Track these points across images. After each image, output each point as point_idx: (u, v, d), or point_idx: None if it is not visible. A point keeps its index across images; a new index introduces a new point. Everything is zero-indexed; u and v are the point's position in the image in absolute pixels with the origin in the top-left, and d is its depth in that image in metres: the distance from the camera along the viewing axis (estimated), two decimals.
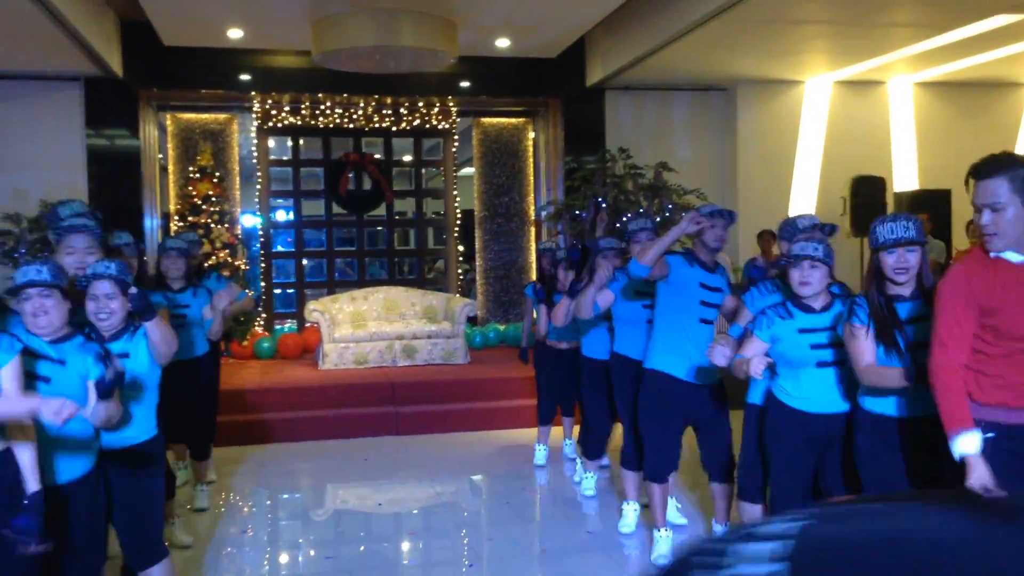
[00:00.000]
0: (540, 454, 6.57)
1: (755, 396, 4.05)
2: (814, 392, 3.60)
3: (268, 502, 6.00)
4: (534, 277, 11.12)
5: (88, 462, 3.14)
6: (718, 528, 4.58)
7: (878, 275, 3.22)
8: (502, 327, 10.62)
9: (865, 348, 3.21)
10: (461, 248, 11.26)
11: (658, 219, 9.27)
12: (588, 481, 5.76)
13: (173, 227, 9.90)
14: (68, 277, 3.18)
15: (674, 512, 5.02)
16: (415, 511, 5.81)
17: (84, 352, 3.02)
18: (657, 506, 4.49)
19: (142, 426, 3.38)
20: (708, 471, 4.52)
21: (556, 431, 6.74)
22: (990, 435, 2.77)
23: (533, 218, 11.15)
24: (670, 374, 4.27)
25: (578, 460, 6.18)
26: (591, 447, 5.64)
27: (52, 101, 9.39)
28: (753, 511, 4.10)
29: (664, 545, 4.48)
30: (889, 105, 10.84)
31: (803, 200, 10.62)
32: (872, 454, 3.30)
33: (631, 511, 4.99)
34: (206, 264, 9.42)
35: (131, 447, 3.34)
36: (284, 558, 4.95)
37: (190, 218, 9.67)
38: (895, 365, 3.14)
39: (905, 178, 10.79)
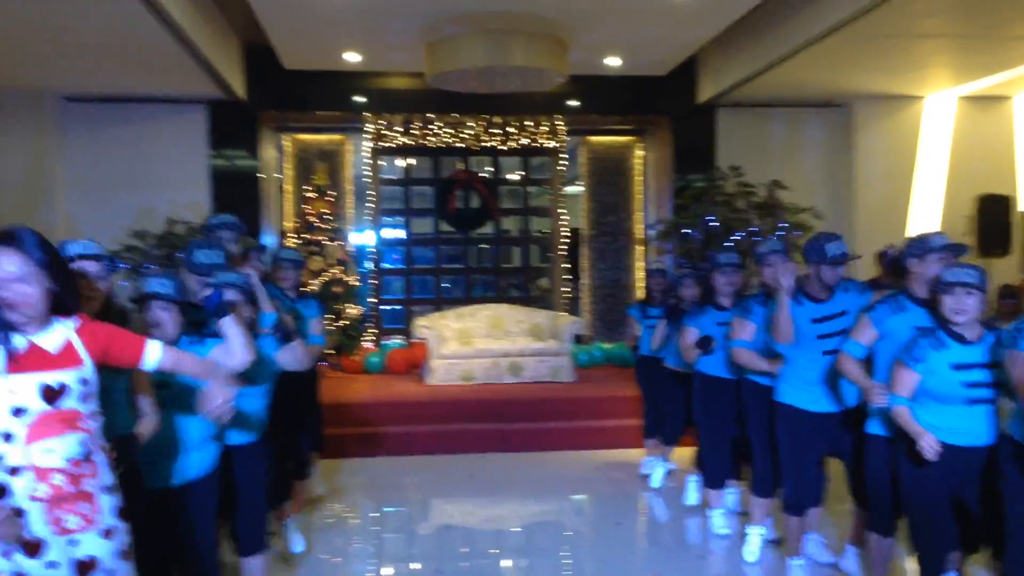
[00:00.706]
0: (658, 474, 6.47)
1: (876, 426, 3.89)
2: (962, 425, 3.42)
3: (374, 514, 6.10)
4: (639, 296, 11.05)
5: (212, 457, 3.37)
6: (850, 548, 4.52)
7: None
8: (608, 346, 10.56)
9: None
10: (567, 266, 11.25)
11: (774, 237, 9.09)
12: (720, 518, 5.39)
13: (290, 244, 10.21)
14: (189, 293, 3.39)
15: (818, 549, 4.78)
16: (520, 528, 5.81)
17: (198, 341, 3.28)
18: (793, 536, 4.45)
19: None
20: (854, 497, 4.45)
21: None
22: None
23: (640, 237, 11.07)
24: (802, 408, 4.22)
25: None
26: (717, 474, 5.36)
27: (178, 123, 9.82)
28: (883, 545, 3.97)
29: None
30: (1014, 121, 10.36)
31: (925, 219, 10.23)
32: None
33: (756, 536, 4.88)
34: (310, 282, 9.70)
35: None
36: (390, 570, 5.01)
37: (305, 235, 9.96)
38: None
39: None
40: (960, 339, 3.41)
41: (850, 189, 10.31)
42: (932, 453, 3.22)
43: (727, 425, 5.08)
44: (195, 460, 3.29)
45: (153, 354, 2.64)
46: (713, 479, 5.32)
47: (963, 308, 3.36)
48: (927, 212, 10.26)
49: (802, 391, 4.20)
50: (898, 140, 10.21)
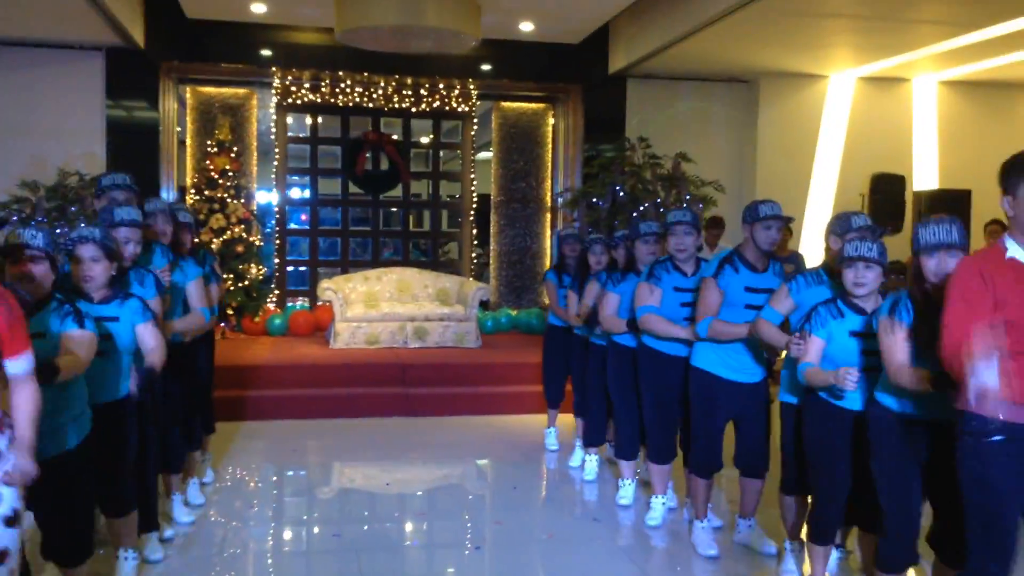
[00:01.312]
0: (552, 439, 6.62)
1: (785, 395, 4.09)
2: (856, 393, 3.57)
3: (275, 478, 6.01)
4: (548, 263, 11.11)
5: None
6: (743, 524, 4.59)
7: (919, 277, 3.18)
8: (514, 312, 10.61)
9: (903, 347, 3.18)
10: (475, 232, 11.23)
11: (684, 207, 9.23)
12: (628, 488, 5.31)
13: (189, 200, 9.90)
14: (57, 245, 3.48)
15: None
16: (422, 492, 5.81)
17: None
18: (701, 499, 4.53)
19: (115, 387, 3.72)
20: (741, 467, 4.50)
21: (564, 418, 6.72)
22: (999, 438, 2.75)
23: (549, 204, 11.11)
24: (715, 374, 4.31)
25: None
26: (628, 448, 5.24)
27: (73, 70, 9.39)
28: (790, 502, 4.18)
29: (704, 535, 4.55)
30: (913, 103, 10.74)
31: (822, 195, 10.55)
32: (889, 452, 3.28)
33: (660, 505, 4.94)
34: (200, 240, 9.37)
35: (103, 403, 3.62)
36: (288, 534, 4.96)
37: (206, 192, 9.67)
38: (923, 367, 3.10)
39: (926, 177, 10.70)
40: (859, 310, 3.57)
41: (752, 164, 10.54)
42: (852, 381, 3.34)
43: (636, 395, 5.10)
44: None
45: (18, 367, 2.66)
46: (626, 450, 5.22)
47: (862, 281, 3.53)
48: (824, 188, 10.57)
49: (719, 358, 4.28)
50: (800, 117, 10.48)
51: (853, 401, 3.60)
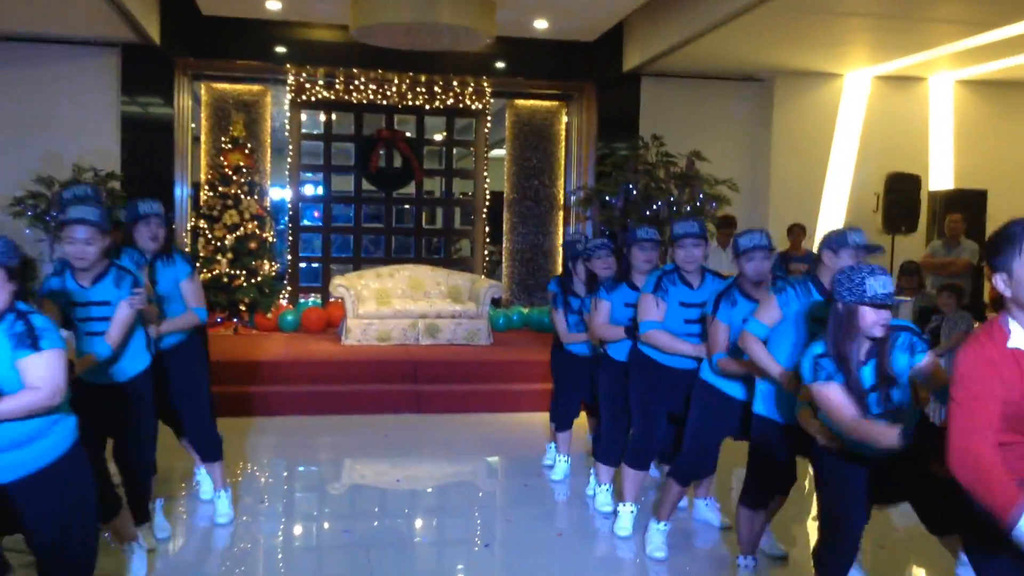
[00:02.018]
0: (561, 467, 5.86)
1: (763, 408, 3.92)
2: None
3: (285, 474, 6.03)
4: (560, 261, 11.10)
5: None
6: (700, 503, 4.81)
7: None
8: (526, 310, 10.60)
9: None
10: (488, 229, 11.22)
11: (688, 208, 9.21)
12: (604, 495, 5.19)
13: (203, 196, 9.93)
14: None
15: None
16: (432, 489, 5.82)
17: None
18: (671, 503, 4.47)
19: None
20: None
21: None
22: None
23: (562, 203, 11.10)
24: (725, 391, 4.22)
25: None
26: (611, 453, 5.06)
27: (89, 66, 9.43)
28: (747, 515, 4.09)
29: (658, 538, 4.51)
30: (929, 102, 10.67)
31: (837, 195, 10.49)
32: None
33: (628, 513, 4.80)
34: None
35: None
36: (299, 530, 4.97)
37: (220, 188, 9.70)
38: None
39: (941, 177, 10.63)
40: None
41: (766, 163, 10.50)
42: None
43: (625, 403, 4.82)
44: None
45: None
46: (609, 455, 5.02)
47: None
48: (838, 187, 10.52)
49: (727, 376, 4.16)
50: (816, 116, 10.42)
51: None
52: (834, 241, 3.72)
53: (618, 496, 4.95)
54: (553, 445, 5.98)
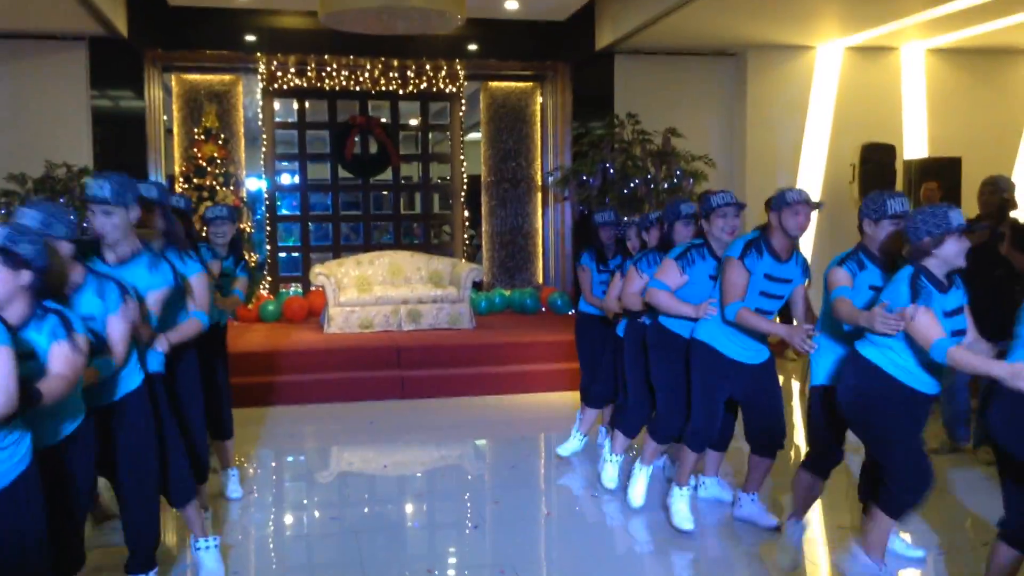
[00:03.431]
0: (573, 443, 5.85)
1: (820, 380, 4.08)
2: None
3: (273, 464, 6.02)
4: (540, 242, 11.11)
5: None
6: (746, 498, 4.56)
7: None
8: (507, 292, 10.61)
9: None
10: (467, 213, 11.20)
11: (665, 185, 9.23)
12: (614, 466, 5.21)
13: (178, 189, 9.85)
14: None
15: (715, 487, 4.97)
16: (420, 474, 5.83)
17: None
18: (687, 468, 4.50)
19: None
20: (752, 444, 4.51)
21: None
22: None
23: (540, 184, 11.09)
24: (720, 351, 4.26)
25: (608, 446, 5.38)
26: (633, 425, 5.10)
27: (57, 60, 9.30)
28: (806, 479, 4.19)
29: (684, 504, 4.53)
30: (901, 72, 10.71)
31: (813, 166, 10.53)
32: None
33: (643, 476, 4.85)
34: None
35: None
36: (289, 519, 4.97)
37: (195, 180, 9.62)
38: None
39: (915, 146, 10.69)
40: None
41: (742, 138, 10.52)
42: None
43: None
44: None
45: None
46: (631, 426, 5.07)
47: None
48: (814, 160, 10.56)
49: (726, 336, 4.22)
50: (789, 89, 10.44)
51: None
52: (873, 210, 3.84)
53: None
54: (578, 432, 5.82)
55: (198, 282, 3.95)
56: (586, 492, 5.23)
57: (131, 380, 3.46)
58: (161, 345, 3.68)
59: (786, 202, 4.02)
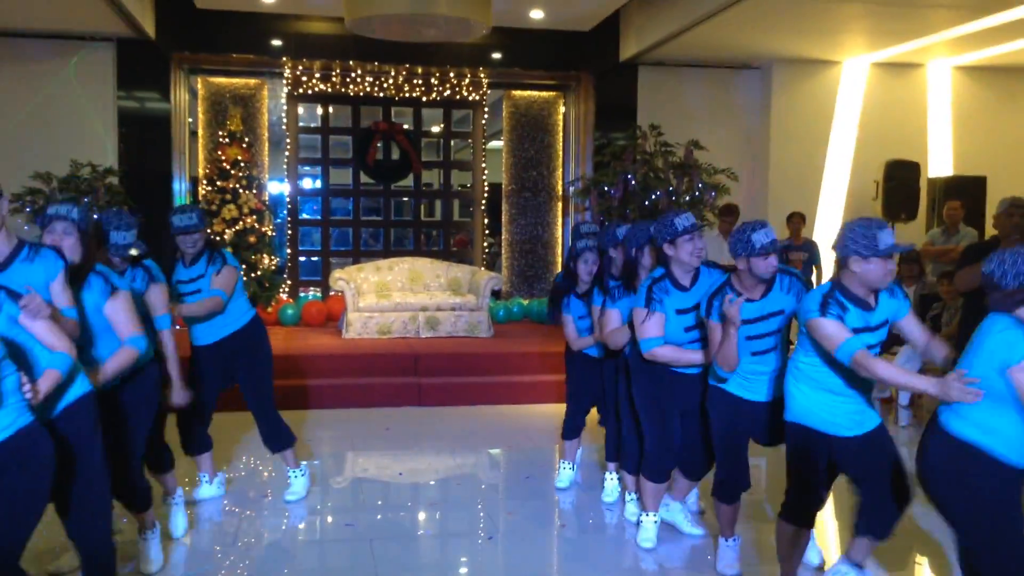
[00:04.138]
0: (565, 474, 5.53)
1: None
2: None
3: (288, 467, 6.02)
4: (560, 252, 11.09)
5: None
6: (726, 544, 4.21)
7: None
8: (526, 301, 10.60)
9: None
10: (487, 221, 11.21)
11: (687, 198, 9.20)
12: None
13: (201, 191, 9.92)
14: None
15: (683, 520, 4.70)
16: (434, 482, 5.82)
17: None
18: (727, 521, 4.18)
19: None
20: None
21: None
22: None
23: (561, 193, 11.09)
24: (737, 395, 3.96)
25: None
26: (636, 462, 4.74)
27: (84, 61, 9.39)
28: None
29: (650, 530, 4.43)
30: (927, 88, 10.64)
31: (836, 183, 10.48)
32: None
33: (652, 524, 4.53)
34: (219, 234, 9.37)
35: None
36: (302, 524, 4.97)
37: (218, 182, 9.68)
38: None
39: (940, 163, 10.62)
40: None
41: (765, 152, 10.48)
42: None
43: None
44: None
45: None
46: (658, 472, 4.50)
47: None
48: (837, 175, 10.50)
49: (825, 409, 3.57)
50: (814, 104, 10.40)
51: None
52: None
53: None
54: (563, 463, 5.54)
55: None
56: (600, 504, 5.20)
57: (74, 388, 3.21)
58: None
59: (878, 250, 3.31)
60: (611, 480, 5.18)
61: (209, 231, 5.26)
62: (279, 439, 5.14)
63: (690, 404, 4.23)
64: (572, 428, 5.44)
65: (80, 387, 3.19)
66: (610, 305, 4.52)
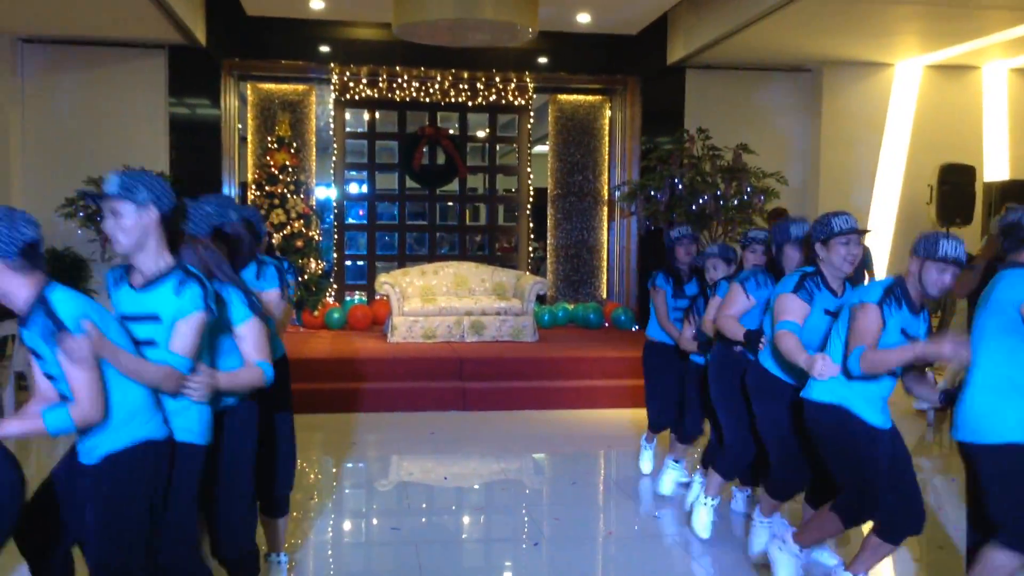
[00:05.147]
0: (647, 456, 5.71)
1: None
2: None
3: (334, 470, 6.05)
4: (605, 256, 11.03)
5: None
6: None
7: None
8: (571, 306, 10.55)
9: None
10: (532, 226, 11.19)
11: (735, 202, 9.09)
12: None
13: (250, 196, 10.03)
14: None
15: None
16: (479, 486, 5.80)
17: None
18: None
19: None
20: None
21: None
22: None
23: (606, 198, 11.03)
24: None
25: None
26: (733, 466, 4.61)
27: (137, 68, 9.55)
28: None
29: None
30: (983, 91, 10.41)
31: (889, 187, 10.29)
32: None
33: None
34: (272, 237, 9.41)
35: None
36: (348, 526, 4.98)
37: (267, 187, 9.78)
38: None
39: (996, 167, 10.38)
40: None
41: (816, 155, 10.33)
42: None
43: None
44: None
45: None
46: (732, 470, 4.57)
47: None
48: (890, 179, 10.32)
49: (863, 399, 3.59)
50: (866, 107, 10.23)
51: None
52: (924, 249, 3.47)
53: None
54: (647, 446, 5.70)
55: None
56: (648, 511, 5.14)
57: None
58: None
59: (936, 254, 3.39)
60: (707, 510, 4.62)
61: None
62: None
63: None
64: (658, 424, 5.47)
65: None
66: (752, 289, 4.28)
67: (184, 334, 2.77)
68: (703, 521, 4.58)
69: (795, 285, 3.79)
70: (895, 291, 3.44)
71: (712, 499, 4.58)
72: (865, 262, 8.85)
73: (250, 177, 10.32)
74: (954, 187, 9.70)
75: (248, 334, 3.07)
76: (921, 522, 3.59)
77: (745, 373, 4.21)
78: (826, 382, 3.52)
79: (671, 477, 5.32)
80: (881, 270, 9.75)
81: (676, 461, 5.35)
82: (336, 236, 10.71)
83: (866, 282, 8.83)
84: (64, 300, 2.59)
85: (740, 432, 4.40)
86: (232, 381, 3.03)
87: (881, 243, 10.09)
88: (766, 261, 4.51)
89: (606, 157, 11.08)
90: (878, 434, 3.54)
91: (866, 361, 3.34)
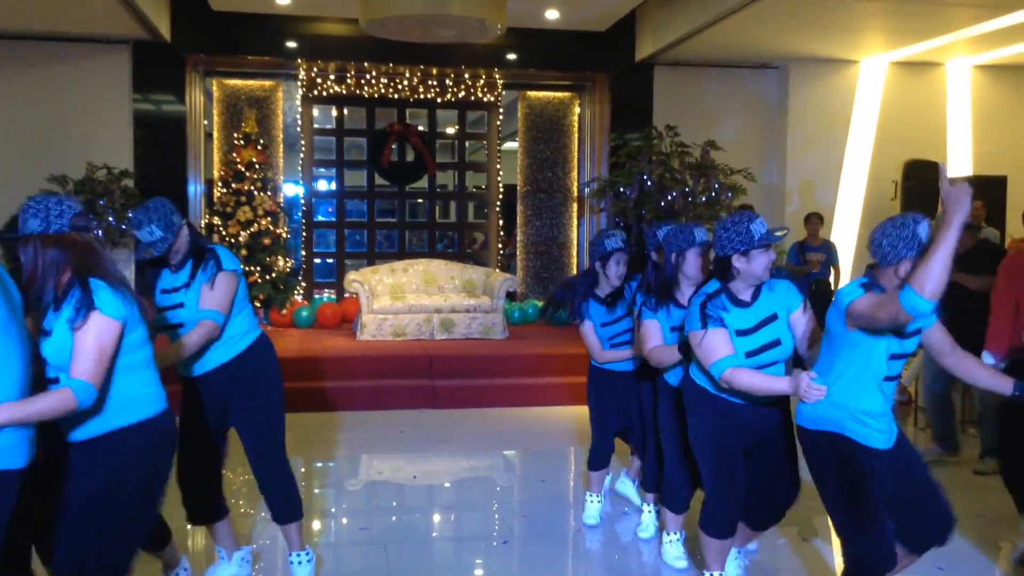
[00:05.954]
0: (594, 509, 4.92)
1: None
2: None
3: (302, 470, 6.01)
4: (575, 253, 11.04)
5: None
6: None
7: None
8: (541, 303, 10.55)
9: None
10: (502, 222, 11.18)
11: (703, 198, 9.13)
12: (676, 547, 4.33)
13: (216, 193, 9.93)
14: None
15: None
16: (449, 484, 5.78)
17: None
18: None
19: None
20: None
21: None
22: None
23: (576, 194, 11.04)
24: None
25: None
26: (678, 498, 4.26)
27: (100, 64, 9.42)
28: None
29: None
30: (947, 88, 10.54)
31: (854, 183, 10.39)
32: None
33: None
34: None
35: None
36: (317, 526, 4.94)
37: (233, 184, 9.68)
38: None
39: (960, 163, 10.51)
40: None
41: (783, 151, 10.40)
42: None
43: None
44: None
45: None
46: (679, 502, 4.23)
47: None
48: (855, 175, 10.41)
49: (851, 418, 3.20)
50: (832, 103, 10.32)
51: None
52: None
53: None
54: (590, 495, 4.93)
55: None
56: (616, 508, 5.15)
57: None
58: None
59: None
60: (648, 513, 4.66)
61: (223, 232, 4.90)
62: (287, 504, 3.93)
63: (755, 438, 3.62)
64: (599, 456, 4.80)
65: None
66: (648, 315, 3.98)
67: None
68: (674, 554, 4.27)
69: (700, 320, 3.38)
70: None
71: (675, 534, 4.27)
72: (831, 259, 8.95)
73: (216, 174, 10.21)
74: (919, 182, 9.81)
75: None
76: (946, 533, 3.19)
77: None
78: (813, 405, 3.11)
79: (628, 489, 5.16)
80: (847, 266, 9.84)
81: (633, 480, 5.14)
82: (304, 233, 10.63)
83: (831, 279, 8.93)
84: None
85: (679, 467, 4.11)
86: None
87: (847, 239, 10.19)
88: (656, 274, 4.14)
89: (575, 153, 11.09)
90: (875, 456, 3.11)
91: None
